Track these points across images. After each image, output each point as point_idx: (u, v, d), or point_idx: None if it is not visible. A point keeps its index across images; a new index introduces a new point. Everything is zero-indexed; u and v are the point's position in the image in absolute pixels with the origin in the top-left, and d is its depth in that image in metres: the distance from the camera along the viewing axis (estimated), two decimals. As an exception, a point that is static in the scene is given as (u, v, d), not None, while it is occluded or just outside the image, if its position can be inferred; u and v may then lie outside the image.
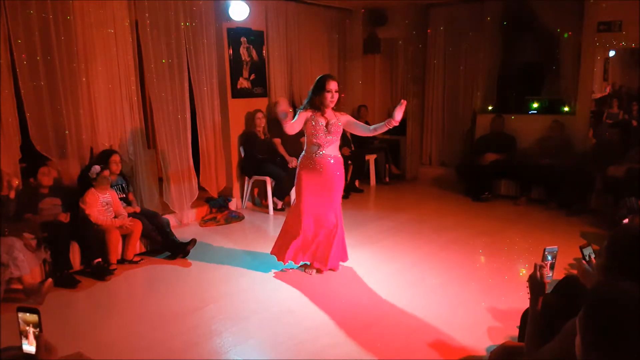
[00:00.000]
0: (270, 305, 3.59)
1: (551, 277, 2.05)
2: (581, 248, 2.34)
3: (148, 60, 5.18)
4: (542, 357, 1.65)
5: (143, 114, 5.28)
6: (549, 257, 2.06)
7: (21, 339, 1.63)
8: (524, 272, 4.11)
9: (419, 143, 8.04)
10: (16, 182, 3.98)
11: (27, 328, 1.61)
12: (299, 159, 4.13)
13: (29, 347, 1.62)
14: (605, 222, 5.19)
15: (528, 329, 1.91)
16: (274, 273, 4.20)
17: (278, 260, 4.17)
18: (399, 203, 6.72)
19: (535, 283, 1.94)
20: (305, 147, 4.09)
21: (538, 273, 1.94)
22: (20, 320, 1.61)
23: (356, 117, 7.77)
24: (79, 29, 4.58)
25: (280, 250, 4.17)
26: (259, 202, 6.69)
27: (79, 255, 4.25)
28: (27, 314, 1.60)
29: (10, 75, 4.18)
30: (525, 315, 2.39)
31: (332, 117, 3.99)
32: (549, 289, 2.51)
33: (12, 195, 3.94)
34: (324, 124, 3.96)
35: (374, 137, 7.95)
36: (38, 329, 1.60)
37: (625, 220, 4.30)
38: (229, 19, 5.93)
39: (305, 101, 4.08)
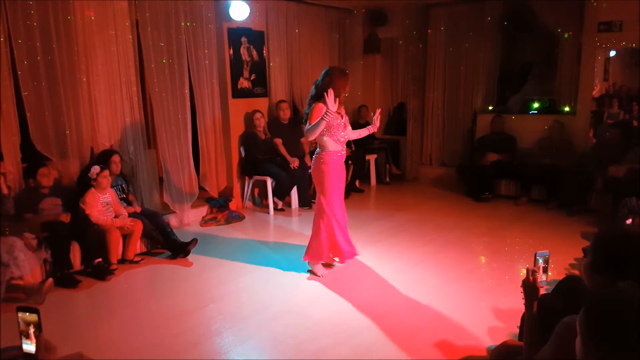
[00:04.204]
0: (271, 305, 3.59)
1: (545, 281, 2.06)
2: (584, 250, 2.34)
3: (148, 60, 5.18)
4: (541, 359, 1.65)
5: (143, 114, 5.28)
6: (541, 261, 2.07)
7: (21, 338, 1.63)
8: (524, 272, 4.11)
9: (419, 143, 8.04)
10: (10, 176, 4.00)
11: (27, 328, 1.61)
12: (320, 156, 3.92)
13: (29, 346, 1.62)
14: (606, 222, 5.18)
15: (525, 332, 1.92)
16: (274, 273, 4.20)
17: (327, 260, 4.15)
18: (399, 203, 6.71)
19: (529, 288, 1.95)
20: (325, 147, 3.90)
21: (531, 277, 1.95)
22: (20, 320, 1.61)
23: (357, 117, 7.85)
24: (80, 29, 4.58)
25: (321, 253, 4.07)
26: (259, 202, 6.69)
27: (80, 255, 4.24)
28: (27, 314, 1.60)
29: (10, 75, 4.19)
30: (525, 316, 2.39)
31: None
32: (549, 289, 2.52)
33: (5, 190, 3.94)
34: (342, 121, 3.95)
35: (374, 137, 7.97)
36: (38, 329, 1.60)
37: (628, 221, 4.30)
38: (230, 19, 5.94)
39: (319, 89, 3.83)
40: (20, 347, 1.68)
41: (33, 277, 3.81)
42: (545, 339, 1.67)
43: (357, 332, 3.15)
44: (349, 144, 7.18)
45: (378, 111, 4.13)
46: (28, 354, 1.62)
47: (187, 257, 4.60)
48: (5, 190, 4.00)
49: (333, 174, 3.96)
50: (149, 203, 5.28)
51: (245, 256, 4.71)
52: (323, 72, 3.92)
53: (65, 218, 4.16)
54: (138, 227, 4.48)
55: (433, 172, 7.96)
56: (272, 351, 2.99)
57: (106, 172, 4.41)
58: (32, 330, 1.60)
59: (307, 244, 4.17)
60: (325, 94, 3.67)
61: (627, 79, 7.19)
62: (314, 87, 3.95)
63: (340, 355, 2.89)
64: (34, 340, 1.61)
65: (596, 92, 6.64)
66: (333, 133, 3.88)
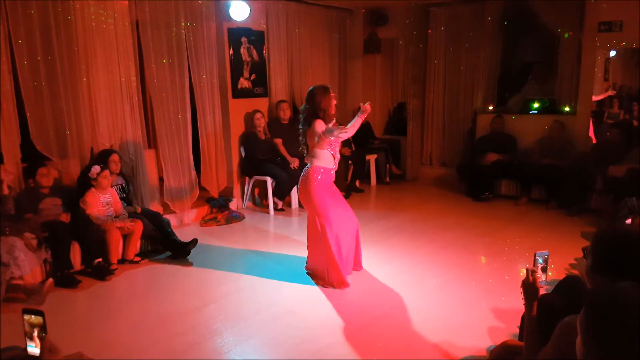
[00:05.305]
0: (271, 305, 3.59)
1: (545, 281, 2.06)
2: (584, 250, 2.33)
3: (148, 60, 5.19)
4: (542, 359, 1.66)
5: (144, 114, 5.28)
6: (540, 261, 2.07)
7: (26, 340, 1.62)
8: (524, 273, 4.11)
9: (419, 143, 8.04)
10: (10, 177, 3.99)
11: (32, 330, 1.61)
12: (312, 175, 3.85)
13: (34, 349, 1.61)
14: (606, 222, 5.18)
15: (525, 334, 1.92)
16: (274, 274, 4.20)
17: (344, 287, 3.84)
18: (399, 203, 6.72)
19: (529, 288, 1.95)
20: (317, 161, 3.84)
21: (530, 278, 1.95)
22: (25, 322, 1.61)
23: (356, 118, 7.84)
24: (80, 29, 4.58)
25: (341, 278, 3.86)
26: (259, 202, 6.69)
27: (80, 255, 4.25)
28: (32, 316, 1.60)
29: (10, 75, 4.19)
30: (526, 316, 2.39)
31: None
32: (549, 289, 2.52)
33: (6, 191, 3.94)
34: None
35: (374, 137, 7.97)
36: (43, 331, 1.60)
37: (628, 221, 4.31)
38: (230, 19, 5.94)
39: (308, 112, 3.84)
40: (20, 347, 1.68)
41: (33, 277, 3.81)
42: (545, 339, 1.67)
43: (357, 332, 3.15)
44: (348, 143, 7.19)
45: (368, 103, 3.94)
46: (32, 357, 1.61)
47: (188, 257, 4.60)
48: (6, 191, 3.99)
49: (320, 194, 3.84)
50: (149, 203, 5.28)
51: (246, 256, 4.71)
52: (307, 96, 3.90)
53: (65, 218, 4.16)
54: (138, 227, 4.48)
55: (433, 172, 7.96)
56: (272, 351, 2.99)
57: (106, 172, 4.42)
58: (36, 332, 1.60)
59: (306, 243, 4.15)
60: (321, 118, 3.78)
61: (627, 79, 7.20)
62: (302, 113, 3.92)
63: (340, 355, 2.89)
64: (38, 342, 1.60)
65: (600, 93, 6.66)
66: (333, 147, 3.87)
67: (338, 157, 3.95)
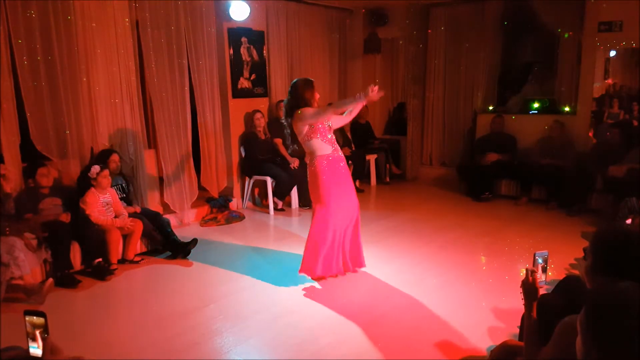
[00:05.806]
0: (271, 305, 3.59)
1: (544, 281, 2.06)
2: (584, 250, 2.33)
3: (148, 60, 5.19)
4: (542, 359, 1.66)
5: (144, 114, 5.28)
6: (540, 261, 2.07)
7: (28, 342, 1.62)
8: (524, 273, 4.11)
9: (419, 143, 8.04)
10: (10, 176, 4.00)
11: (34, 331, 1.61)
12: (312, 163, 3.86)
13: (36, 350, 1.61)
14: (606, 222, 5.18)
15: (525, 334, 1.92)
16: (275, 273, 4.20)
17: (314, 278, 3.91)
18: (399, 203, 6.72)
19: (529, 288, 1.95)
20: (315, 152, 3.85)
21: (530, 278, 1.95)
22: (27, 323, 1.61)
23: (357, 117, 7.83)
24: (80, 29, 4.58)
25: (311, 265, 3.87)
26: (259, 202, 6.69)
27: (80, 255, 4.25)
28: (34, 317, 1.60)
29: (10, 75, 4.19)
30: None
31: None
32: (549, 289, 2.52)
33: (8, 189, 3.94)
34: (328, 123, 3.93)
35: (374, 137, 7.97)
36: (45, 332, 1.60)
37: (628, 221, 4.31)
38: (230, 19, 5.94)
39: (291, 103, 3.87)
40: (21, 347, 1.68)
41: (33, 277, 3.81)
42: (545, 339, 1.67)
43: (357, 332, 3.15)
44: (348, 143, 7.20)
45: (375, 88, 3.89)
46: (34, 358, 1.61)
47: (187, 257, 4.60)
48: (8, 189, 3.99)
49: (327, 181, 3.81)
50: (149, 203, 5.28)
51: (246, 256, 4.71)
52: (290, 88, 3.95)
53: (65, 218, 4.16)
54: (138, 227, 4.48)
55: (433, 172, 7.96)
56: (273, 351, 2.99)
57: (106, 172, 4.41)
58: (38, 333, 1.60)
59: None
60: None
61: (627, 79, 7.19)
62: (285, 106, 3.96)
63: (340, 355, 2.89)
64: (40, 344, 1.60)
65: (600, 93, 6.65)
66: (322, 134, 3.85)
67: (333, 139, 3.92)
